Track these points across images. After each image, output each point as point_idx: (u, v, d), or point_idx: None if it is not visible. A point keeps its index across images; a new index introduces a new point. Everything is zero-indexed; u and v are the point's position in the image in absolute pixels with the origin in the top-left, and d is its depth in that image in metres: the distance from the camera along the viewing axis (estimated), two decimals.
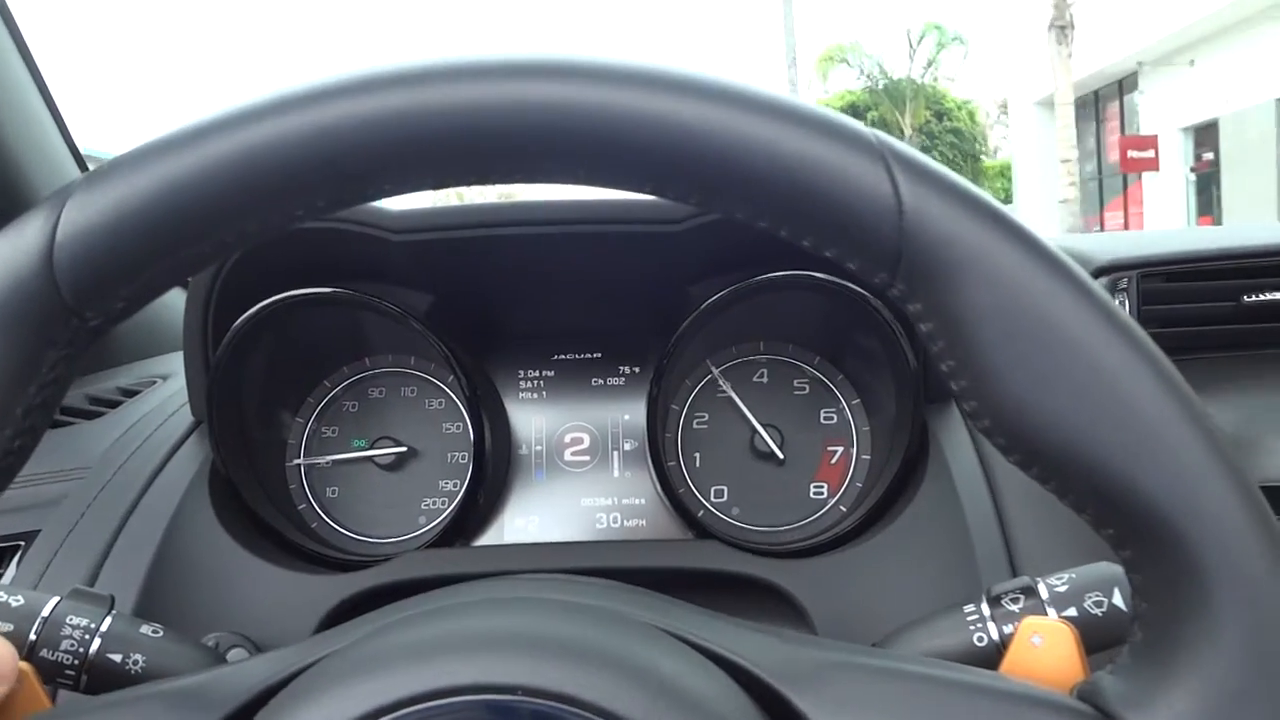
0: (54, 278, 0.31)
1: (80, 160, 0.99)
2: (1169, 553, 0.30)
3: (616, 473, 0.87)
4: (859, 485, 0.83)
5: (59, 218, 0.31)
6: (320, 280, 0.79)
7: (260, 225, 0.32)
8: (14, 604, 0.54)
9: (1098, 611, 0.51)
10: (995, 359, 0.31)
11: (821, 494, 0.84)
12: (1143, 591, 0.32)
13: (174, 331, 1.17)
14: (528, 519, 0.86)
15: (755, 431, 0.84)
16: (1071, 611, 0.51)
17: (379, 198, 0.34)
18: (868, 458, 0.84)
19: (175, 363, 1.05)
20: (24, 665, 0.43)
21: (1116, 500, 0.31)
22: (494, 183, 0.34)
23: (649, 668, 0.33)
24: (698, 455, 0.85)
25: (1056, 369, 0.30)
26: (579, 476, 0.88)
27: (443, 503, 0.86)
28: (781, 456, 0.84)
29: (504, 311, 0.89)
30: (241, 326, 0.78)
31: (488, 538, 0.85)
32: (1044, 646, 0.43)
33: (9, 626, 0.53)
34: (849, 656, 0.36)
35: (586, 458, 0.88)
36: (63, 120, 0.96)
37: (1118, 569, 0.53)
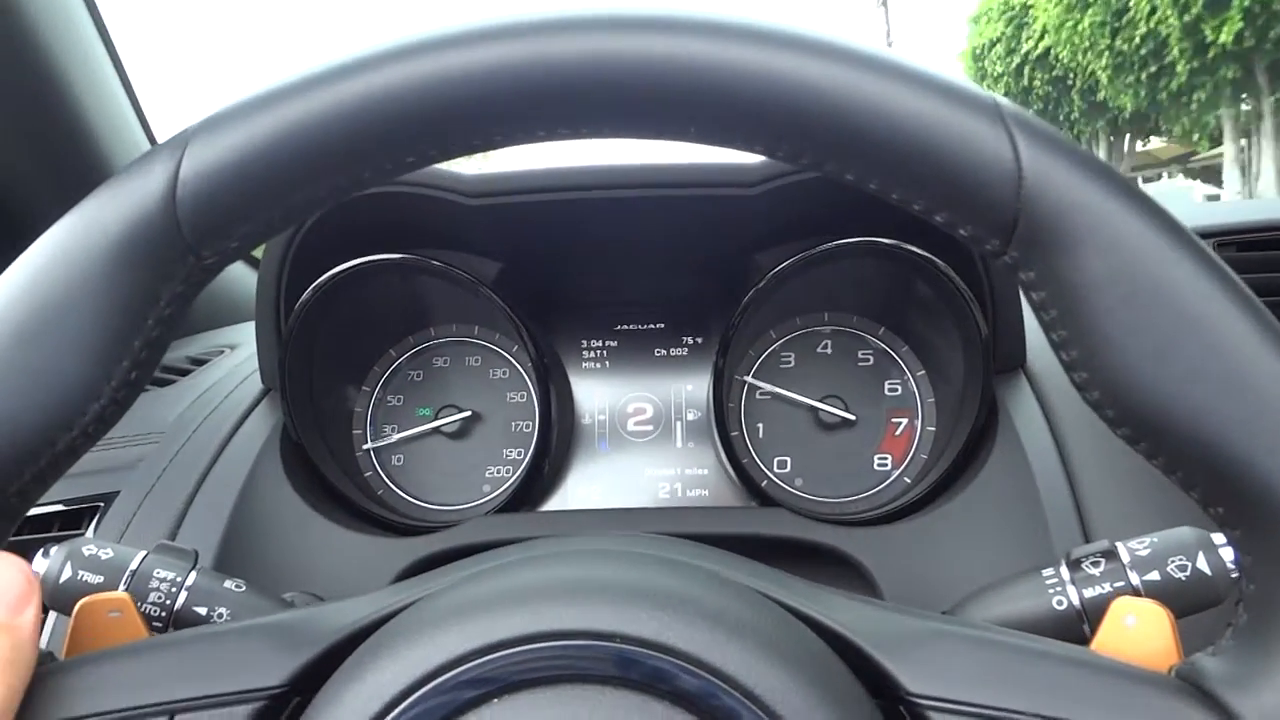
0: (175, 215, 0.32)
1: (149, 132, 1.01)
2: None
3: (679, 443, 0.88)
4: (924, 457, 0.83)
5: (182, 156, 0.32)
6: (387, 248, 0.80)
7: (375, 171, 0.33)
8: (104, 557, 0.55)
9: (1181, 576, 0.50)
10: (1110, 330, 0.30)
11: (885, 465, 0.83)
12: (1250, 572, 0.31)
13: (240, 303, 1.19)
14: (590, 488, 0.87)
15: (816, 407, 0.84)
16: (1154, 575, 0.51)
17: (487, 149, 0.34)
18: (933, 429, 0.83)
19: (241, 334, 1.07)
20: (123, 595, 0.44)
21: (1229, 478, 0.30)
22: (604, 136, 0.34)
23: (753, 627, 0.33)
24: (761, 426, 0.85)
25: (1175, 342, 0.29)
26: (642, 446, 0.88)
27: (507, 471, 0.86)
28: (854, 417, 0.83)
29: (569, 280, 0.89)
30: (313, 294, 0.79)
31: (551, 506, 0.86)
32: (1138, 627, 0.41)
33: (100, 578, 0.54)
34: (944, 626, 0.36)
35: (649, 428, 0.88)
36: (134, 94, 0.98)
37: (1202, 533, 0.52)
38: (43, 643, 0.68)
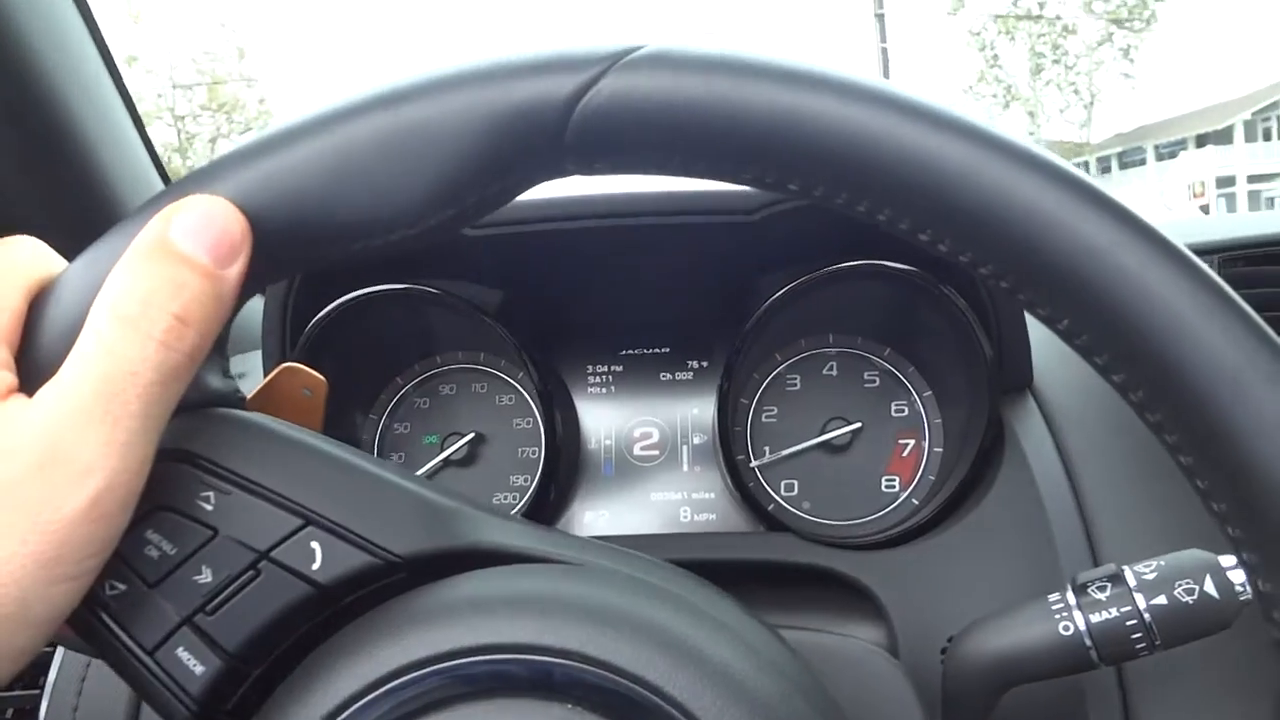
0: (570, 117, 0.31)
1: (160, 167, 1.01)
2: None
3: (686, 467, 0.87)
4: (931, 478, 0.82)
5: (608, 70, 0.31)
6: (390, 277, 0.81)
7: (731, 176, 0.33)
8: None
9: (1188, 599, 0.50)
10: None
11: (894, 487, 0.83)
12: None
13: (247, 333, 1.19)
14: (597, 513, 0.87)
15: (826, 425, 0.83)
16: (1161, 600, 0.50)
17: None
18: (940, 450, 0.83)
19: (248, 363, 1.07)
20: (321, 379, 0.45)
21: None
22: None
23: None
24: (767, 449, 0.85)
25: None
26: (648, 471, 0.88)
27: (513, 497, 0.86)
28: (860, 424, 0.83)
29: (572, 306, 0.89)
30: (318, 324, 0.79)
31: None
32: None
33: None
34: None
35: (655, 452, 0.88)
36: (144, 128, 0.99)
37: (1209, 556, 0.52)
38: (51, 673, 0.68)
